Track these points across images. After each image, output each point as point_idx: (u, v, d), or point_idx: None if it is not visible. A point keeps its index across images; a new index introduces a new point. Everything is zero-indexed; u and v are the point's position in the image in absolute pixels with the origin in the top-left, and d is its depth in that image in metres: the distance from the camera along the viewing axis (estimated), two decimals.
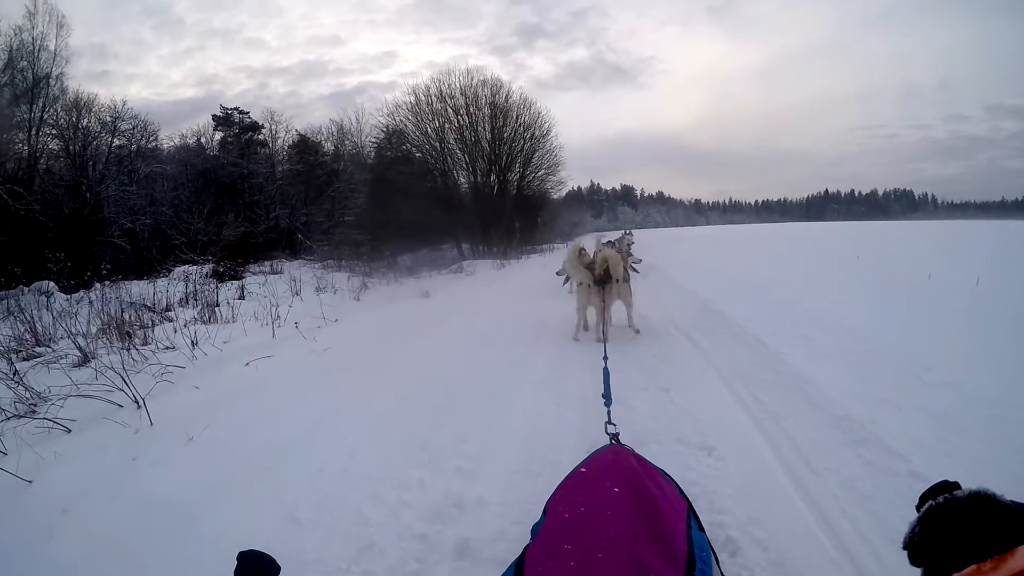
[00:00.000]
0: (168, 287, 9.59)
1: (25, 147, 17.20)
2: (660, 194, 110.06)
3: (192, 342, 5.12)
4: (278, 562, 0.91)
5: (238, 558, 0.89)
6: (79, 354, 4.89)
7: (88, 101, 18.95)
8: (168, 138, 24.07)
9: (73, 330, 5.63)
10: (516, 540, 1.86)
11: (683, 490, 1.46)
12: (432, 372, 4.42)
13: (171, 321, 6.73)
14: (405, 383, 4.14)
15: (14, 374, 4.15)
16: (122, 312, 6.43)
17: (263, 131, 25.69)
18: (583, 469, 1.40)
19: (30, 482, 2.65)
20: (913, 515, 0.72)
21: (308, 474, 2.68)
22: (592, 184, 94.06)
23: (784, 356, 4.21)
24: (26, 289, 10.68)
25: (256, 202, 23.65)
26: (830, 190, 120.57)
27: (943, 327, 4.98)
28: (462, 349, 5.28)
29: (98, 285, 10.96)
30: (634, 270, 6.50)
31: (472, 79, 21.75)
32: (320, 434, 3.20)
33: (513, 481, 2.51)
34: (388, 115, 21.93)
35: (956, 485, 0.72)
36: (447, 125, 21.67)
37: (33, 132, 17.34)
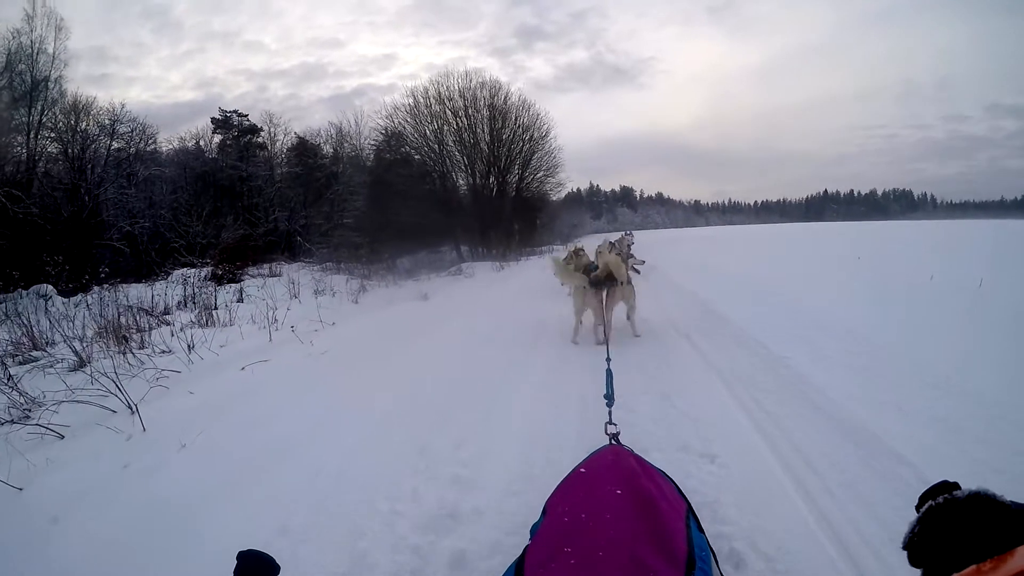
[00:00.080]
0: (166, 290, 9.56)
1: (24, 150, 17.19)
2: (659, 195, 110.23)
3: (188, 346, 5.10)
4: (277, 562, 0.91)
5: (238, 558, 0.89)
6: (75, 358, 4.87)
7: (87, 104, 18.97)
8: (167, 141, 24.15)
9: (70, 334, 5.61)
10: (513, 552, 1.80)
11: (682, 490, 1.46)
12: (429, 376, 4.38)
13: (169, 325, 6.71)
14: (402, 387, 4.10)
15: (9, 379, 4.13)
16: (119, 316, 6.40)
17: (262, 134, 25.75)
18: (582, 469, 1.40)
19: (20, 489, 2.62)
20: (913, 515, 0.73)
21: (301, 482, 2.64)
22: (591, 185, 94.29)
23: (786, 359, 4.15)
24: (24, 292, 10.65)
25: (255, 205, 23.65)
26: (829, 190, 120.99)
27: (946, 328, 4.94)
28: (460, 352, 5.24)
29: (96, 288, 10.95)
30: (636, 271, 6.45)
31: (471, 81, 21.79)
32: (314, 440, 3.16)
33: (511, 490, 2.45)
34: (387, 117, 21.96)
35: (956, 485, 0.72)
36: (446, 127, 21.69)
37: (32, 135, 17.34)
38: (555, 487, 1.39)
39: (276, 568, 0.91)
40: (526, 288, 9.76)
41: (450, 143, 21.92)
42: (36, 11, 17.14)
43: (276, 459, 2.91)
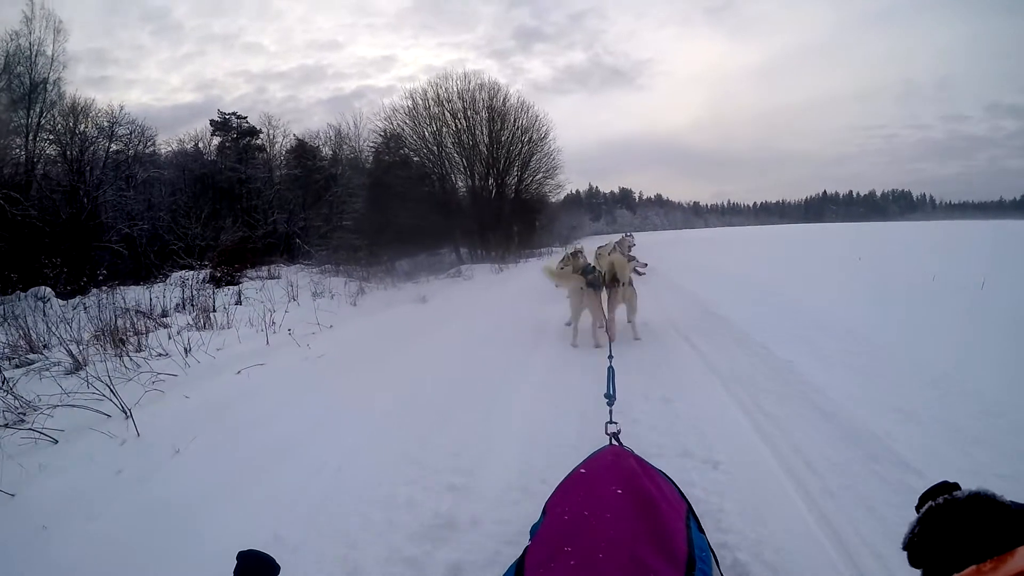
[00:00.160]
0: (165, 292, 9.55)
1: (22, 152, 17.17)
2: (659, 196, 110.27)
3: (185, 349, 5.08)
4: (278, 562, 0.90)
5: (238, 558, 0.89)
6: (72, 361, 4.84)
7: (85, 106, 18.96)
8: (166, 143, 24.17)
9: (67, 337, 5.58)
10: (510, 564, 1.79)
11: (682, 490, 1.46)
12: (427, 380, 4.35)
13: (166, 327, 6.69)
14: (399, 391, 4.07)
15: (3, 382, 4.10)
16: (115, 319, 6.38)
17: (261, 136, 25.77)
18: (582, 470, 1.40)
19: (12, 495, 2.59)
20: (913, 516, 0.73)
21: (294, 490, 2.60)
22: (591, 187, 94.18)
23: (790, 363, 4.09)
24: (23, 295, 10.64)
25: (254, 207, 23.64)
26: (828, 191, 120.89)
27: (953, 330, 4.90)
28: (458, 355, 5.21)
29: (95, 291, 10.94)
30: (639, 273, 6.38)
31: (470, 83, 21.77)
32: (309, 446, 3.12)
33: (509, 498, 2.39)
34: (386, 119, 21.94)
35: (956, 486, 0.72)
36: (445, 129, 21.67)
37: (30, 137, 17.32)
38: (555, 487, 1.39)
39: (276, 568, 0.91)
40: (525, 290, 9.73)
41: (449, 145, 21.92)
42: (35, 13, 17.15)
43: (269, 465, 2.87)
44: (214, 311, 7.65)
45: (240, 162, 24.26)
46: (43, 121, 17.69)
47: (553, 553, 1.06)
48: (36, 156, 17.66)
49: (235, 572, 0.88)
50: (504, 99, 22.20)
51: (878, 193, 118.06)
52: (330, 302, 9.09)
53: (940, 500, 0.71)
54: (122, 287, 11.81)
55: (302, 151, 25.21)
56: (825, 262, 12.62)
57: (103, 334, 5.72)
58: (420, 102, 21.38)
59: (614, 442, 1.92)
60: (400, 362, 5.06)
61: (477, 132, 21.90)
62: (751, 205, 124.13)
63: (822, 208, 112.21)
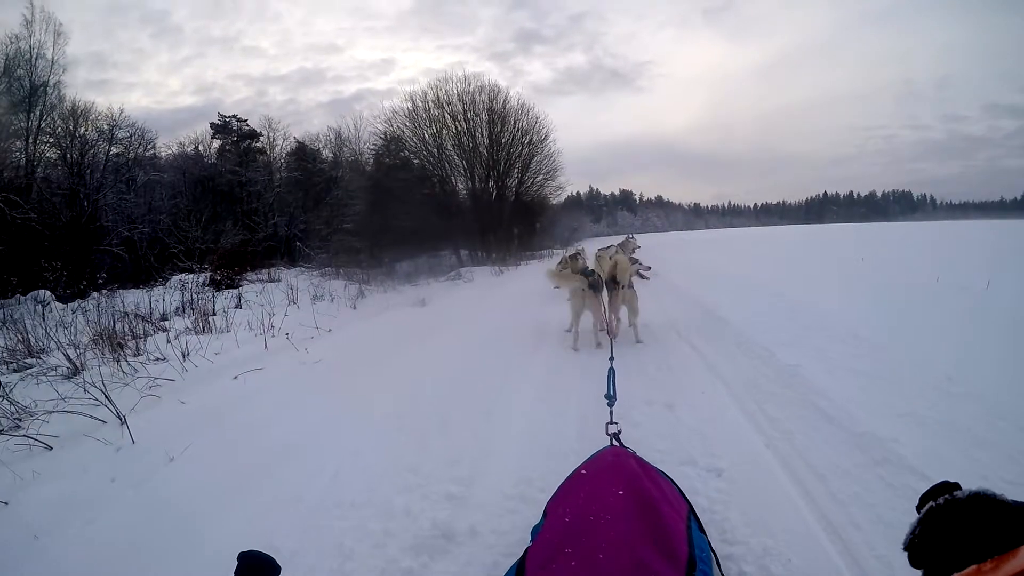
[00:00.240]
0: (164, 296, 9.53)
1: (22, 156, 17.15)
2: (659, 198, 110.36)
3: (183, 354, 5.04)
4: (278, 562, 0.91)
5: (238, 558, 0.89)
6: (69, 366, 4.81)
7: (85, 109, 18.94)
8: (166, 146, 24.13)
9: (65, 341, 5.55)
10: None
11: (683, 491, 1.47)
12: (426, 383, 4.31)
13: (165, 331, 6.65)
14: (397, 395, 4.03)
15: (0, 387, 4.07)
16: (114, 323, 6.35)
17: (261, 139, 25.71)
18: (583, 471, 1.41)
19: (6, 503, 2.56)
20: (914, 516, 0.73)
21: (288, 499, 2.55)
22: (591, 189, 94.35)
23: (792, 366, 4.03)
24: (22, 298, 10.62)
25: (254, 210, 23.62)
26: (829, 192, 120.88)
27: (958, 332, 4.85)
28: (458, 358, 5.17)
29: (95, 294, 10.91)
30: (643, 277, 6.28)
31: (469, 85, 21.83)
32: (305, 452, 3.08)
33: (508, 507, 2.34)
34: (386, 122, 21.97)
35: (956, 486, 0.72)
36: (445, 131, 21.72)
37: (30, 140, 17.30)
38: (556, 488, 1.40)
39: (277, 568, 0.91)
40: (525, 293, 9.70)
41: (449, 147, 21.97)
42: (35, 16, 17.15)
43: (264, 472, 2.83)
44: (213, 315, 7.63)
45: (240, 165, 24.25)
46: (43, 124, 17.69)
47: (554, 554, 1.07)
48: (36, 159, 17.66)
49: (236, 572, 0.88)
50: (504, 101, 22.27)
51: (878, 194, 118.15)
52: (330, 305, 9.07)
53: (940, 500, 0.71)
54: (122, 290, 11.80)
55: (302, 154, 25.20)
56: (827, 263, 12.58)
57: (101, 338, 5.69)
58: (420, 104, 21.47)
59: (615, 443, 1.90)
60: (399, 366, 5.02)
61: (477, 134, 21.97)
62: (752, 206, 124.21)
63: (823, 209, 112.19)
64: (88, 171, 18.73)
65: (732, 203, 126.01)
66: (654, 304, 6.91)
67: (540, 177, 24.30)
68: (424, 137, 21.57)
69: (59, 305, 10.11)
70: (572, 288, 5.49)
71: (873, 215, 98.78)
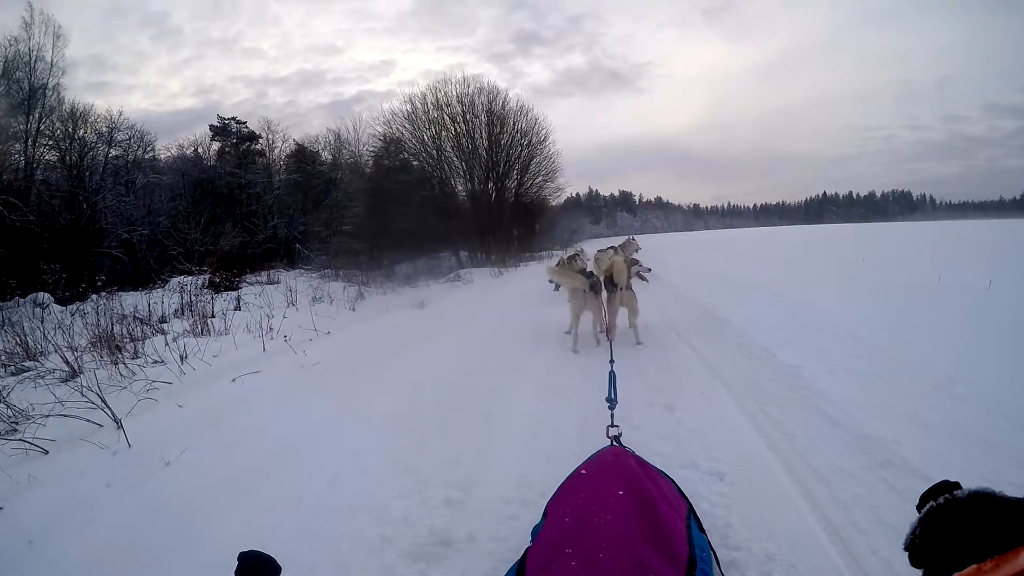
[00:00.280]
0: (164, 298, 9.52)
1: (21, 158, 17.16)
2: (659, 199, 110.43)
3: (181, 357, 5.03)
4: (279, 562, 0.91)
5: (239, 558, 0.89)
6: (67, 369, 4.80)
7: (85, 112, 18.95)
8: (165, 148, 24.13)
9: (64, 343, 5.54)
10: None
11: (683, 491, 1.46)
12: (425, 385, 4.30)
13: (164, 334, 6.64)
14: (396, 397, 4.02)
15: None
16: (112, 325, 6.34)
17: (260, 141, 25.70)
18: (583, 471, 1.41)
19: (1, 508, 2.54)
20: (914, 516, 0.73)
21: (284, 504, 2.53)
22: (590, 190, 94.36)
23: (795, 368, 4.00)
24: (22, 301, 10.61)
25: (254, 212, 23.62)
26: (828, 192, 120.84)
27: (958, 332, 4.84)
28: (457, 360, 5.16)
29: (94, 296, 10.91)
30: (643, 279, 6.28)
31: (469, 87, 21.84)
32: (303, 456, 3.06)
33: (507, 512, 2.32)
34: (385, 124, 21.99)
35: (956, 485, 0.72)
36: (444, 133, 21.73)
37: (30, 143, 17.30)
38: (556, 488, 1.40)
39: (277, 568, 0.91)
40: (524, 294, 9.70)
41: (448, 149, 21.99)
42: (34, 18, 17.17)
43: (261, 476, 2.81)
44: (212, 317, 7.61)
45: (240, 167, 24.26)
46: (42, 127, 17.70)
47: (554, 554, 1.07)
48: (35, 162, 17.67)
49: (236, 572, 0.87)
50: (503, 102, 22.29)
51: (878, 194, 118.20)
52: (329, 307, 9.06)
53: (941, 500, 0.71)
54: (121, 293, 11.80)
55: (302, 156, 25.20)
56: (826, 264, 12.58)
57: (99, 341, 5.67)
58: (419, 106, 21.49)
59: (615, 444, 1.90)
60: (398, 367, 5.01)
61: (476, 136, 21.98)
62: (751, 207, 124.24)
63: (822, 209, 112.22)
64: (87, 173, 18.72)
65: (731, 204, 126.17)
66: (654, 305, 6.89)
67: (539, 178, 24.35)
68: (423, 139, 21.62)
69: (58, 307, 10.09)
70: (572, 289, 5.48)
71: (873, 215, 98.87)
